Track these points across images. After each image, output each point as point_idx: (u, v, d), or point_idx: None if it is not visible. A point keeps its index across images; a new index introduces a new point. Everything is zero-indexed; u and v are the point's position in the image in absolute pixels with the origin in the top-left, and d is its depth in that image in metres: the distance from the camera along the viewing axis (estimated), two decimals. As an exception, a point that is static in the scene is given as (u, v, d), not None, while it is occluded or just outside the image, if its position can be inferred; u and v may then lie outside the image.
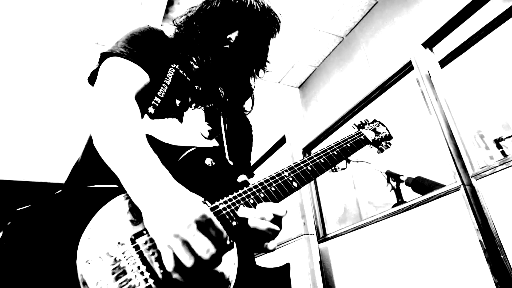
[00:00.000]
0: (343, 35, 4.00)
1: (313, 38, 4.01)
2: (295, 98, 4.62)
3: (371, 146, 1.40)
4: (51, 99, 3.20)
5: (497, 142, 2.18)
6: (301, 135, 3.69)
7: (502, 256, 1.40)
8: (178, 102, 1.01)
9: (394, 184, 2.38)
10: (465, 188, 1.60)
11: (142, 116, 0.90)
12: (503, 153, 2.13)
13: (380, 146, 1.44)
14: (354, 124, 1.46)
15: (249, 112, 1.24)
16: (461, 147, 1.70)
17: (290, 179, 0.93)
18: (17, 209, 0.75)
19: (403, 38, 3.01)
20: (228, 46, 1.08)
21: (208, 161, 0.92)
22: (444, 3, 2.61)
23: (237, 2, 1.08)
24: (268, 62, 1.20)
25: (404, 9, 3.10)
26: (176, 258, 0.63)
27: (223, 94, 1.15)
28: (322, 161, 1.04)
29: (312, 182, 2.79)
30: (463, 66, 2.24)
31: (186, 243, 0.63)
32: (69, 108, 3.20)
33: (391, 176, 2.39)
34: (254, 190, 0.85)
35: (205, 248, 0.63)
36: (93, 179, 0.82)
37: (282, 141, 2.87)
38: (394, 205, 2.23)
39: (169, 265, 0.63)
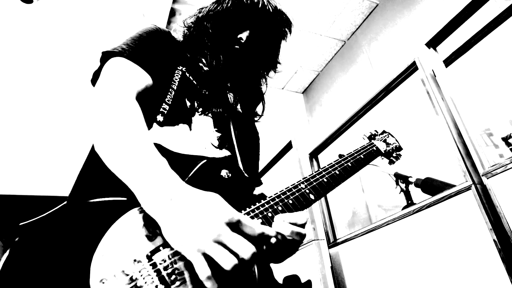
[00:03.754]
0: (345, 39, 4.01)
1: (315, 43, 4.02)
2: (299, 103, 4.62)
3: (383, 157, 1.41)
4: (52, 111, 3.22)
5: (506, 139, 2.16)
6: (307, 140, 3.69)
7: (517, 255, 1.38)
8: (188, 104, 0.98)
9: (403, 186, 2.36)
10: (476, 187, 1.59)
11: (151, 125, 0.88)
12: (512, 150, 2.11)
13: (391, 158, 1.44)
14: (365, 135, 1.47)
15: (261, 116, 1.21)
16: (470, 146, 1.68)
17: (307, 191, 0.91)
18: (20, 224, 0.74)
19: (405, 39, 3.01)
20: (238, 46, 1.06)
21: (224, 173, 0.88)
22: (444, 3, 2.61)
23: (249, 2, 1.07)
24: (279, 63, 1.18)
25: (405, 11, 3.10)
26: (211, 264, 0.60)
27: (232, 99, 1.12)
28: (338, 172, 1.03)
29: (320, 187, 2.76)
30: (467, 64, 2.23)
31: (225, 246, 0.60)
32: (69, 120, 3.22)
33: (400, 178, 2.37)
34: (272, 203, 0.83)
35: (245, 247, 0.60)
36: (100, 190, 0.78)
37: (289, 146, 2.86)
38: (404, 207, 2.21)
39: (205, 273, 0.59)
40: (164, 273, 0.63)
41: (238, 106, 1.14)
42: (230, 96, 1.12)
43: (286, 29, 1.15)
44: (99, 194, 0.71)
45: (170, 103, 0.93)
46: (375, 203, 3.36)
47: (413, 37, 2.89)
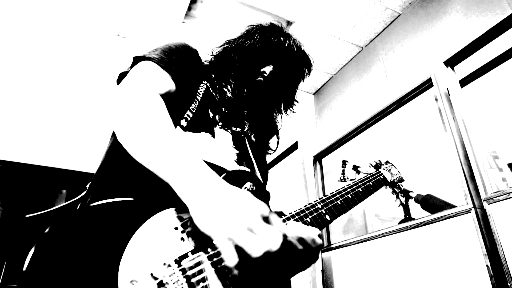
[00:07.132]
0: (362, 45, 3.98)
1: (332, 46, 4.00)
2: (309, 104, 4.61)
3: (387, 187, 1.45)
4: (74, 89, 3.25)
5: (512, 166, 2.16)
6: (314, 142, 3.69)
7: (509, 284, 1.39)
8: (211, 115, 1.02)
9: (403, 199, 2.36)
10: (476, 211, 1.59)
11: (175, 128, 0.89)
12: (517, 177, 2.10)
13: (394, 188, 1.49)
14: (370, 164, 1.51)
15: (274, 150, 1.26)
16: (475, 169, 1.69)
17: (323, 212, 0.96)
18: (27, 216, 0.72)
19: (424, 53, 2.98)
20: (261, 78, 1.11)
21: (248, 185, 0.89)
22: (467, 23, 2.59)
23: (276, 40, 1.13)
24: (297, 101, 1.23)
25: (427, 25, 3.07)
26: (240, 252, 0.61)
27: (247, 127, 1.16)
28: (350, 196, 1.11)
29: (320, 190, 2.78)
30: (483, 87, 2.22)
31: (255, 235, 0.62)
32: (91, 98, 3.24)
33: (401, 191, 2.37)
34: (292, 220, 0.86)
35: (275, 238, 0.62)
36: (114, 191, 0.78)
37: (294, 147, 2.87)
38: (401, 221, 2.21)
39: (233, 260, 0.60)
40: (193, 280, 0.62)
41: (252, 137, 1.19)
42: (246, 125, 1.17)
43: (306, 69, 1.21)
44: (113, 195, 0.70)
45: (194, 111, 0.97)
46: (372, 212, 3.36)
47: (432, 52, 2.87)
